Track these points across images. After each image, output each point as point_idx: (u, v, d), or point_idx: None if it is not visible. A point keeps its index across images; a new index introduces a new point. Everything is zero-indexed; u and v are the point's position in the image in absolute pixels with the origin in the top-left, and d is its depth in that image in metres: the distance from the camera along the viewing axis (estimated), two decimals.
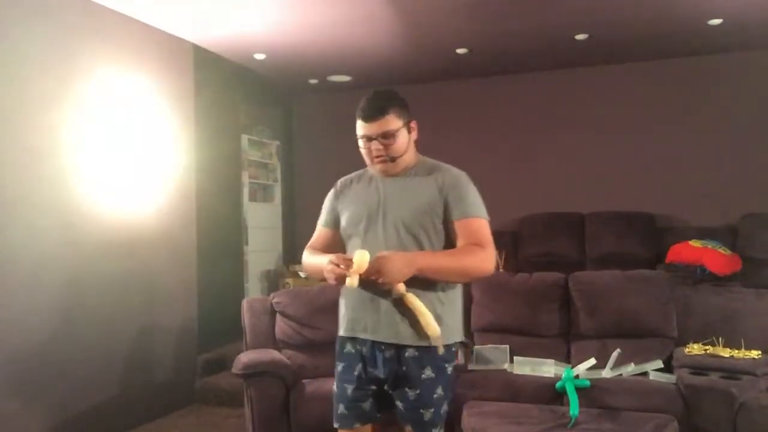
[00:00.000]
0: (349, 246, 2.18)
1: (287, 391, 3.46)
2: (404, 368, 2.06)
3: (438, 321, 2.04)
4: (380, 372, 2.09)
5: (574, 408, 3.01)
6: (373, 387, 2.13)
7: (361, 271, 1.94)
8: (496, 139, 6.34)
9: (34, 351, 3.54)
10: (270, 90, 6.71)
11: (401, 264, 1.94)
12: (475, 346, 3.83)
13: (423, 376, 2.06)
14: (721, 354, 3.33)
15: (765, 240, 5.05)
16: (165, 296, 4.55)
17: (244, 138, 6.26)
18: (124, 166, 4.21)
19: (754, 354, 3.32)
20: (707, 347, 3.46)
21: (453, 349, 2.16)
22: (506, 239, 5.82)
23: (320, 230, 2.31)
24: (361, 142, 2.16)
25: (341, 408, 2.16)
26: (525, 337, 3.88)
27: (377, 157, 2.12)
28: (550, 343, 3.84)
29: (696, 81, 5.76)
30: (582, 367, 3.42)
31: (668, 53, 5.65)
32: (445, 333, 2.06)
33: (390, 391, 2.11)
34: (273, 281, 6.40)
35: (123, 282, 4.16)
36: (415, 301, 1.99)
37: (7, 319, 3.40)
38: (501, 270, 4.83)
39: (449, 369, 2.14)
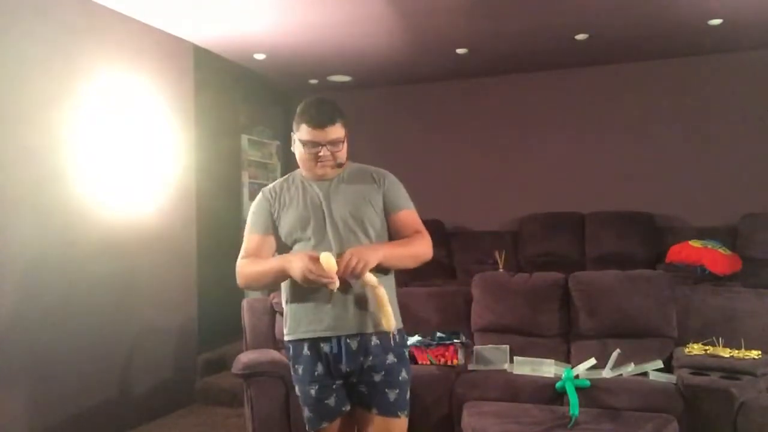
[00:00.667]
0: (295, 250, 2.18)
1: (287, 391, 3.45)
2: (370, 357, 2.14)
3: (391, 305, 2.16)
4: (346, 365, 2.13)
5: (574, 408, 3.01)
6: (338, 382, 2.17)
7: (334, 272, 1.98)
8: (496, 139, 6.34)
9: (34, 351, 3.54)
10: (270, 90, 6.71)
11: (369, 252, 2.04)
12: (475, 346, 3.83)
13: (387, 361, 2.16)
14: (721, 354, 3.33)
15: (765, 240, 5.05)
16: (165, 296, 4.55)
17: (244, 138, 6.26)
18: (124, 166, 4.21)
19: (754, 354, 3.32)
20: (707, 347, 3.46)
21: (403, 334, 2.26)
22: (506, 239, 5.83)
23: (252, 237, 2.25)
24: (304, 147, 2.19)
25: (307, 411, 2.19)
26: (525, 337, 3.87)
27: (323, 162, 2.18)
28: (550, 343, 3.84)
29: (696, 81, 5.76)
30: (582, 367, 3.41)
31: (668, 53, 5.65)
32: (396, 319, 2.17)
33: (354, 381, 2.16)
34: None
35: (123, 282, 4.16)
36: (384, 294, 2.07)
37: (7, 319, 3.40)
38: (501, 270, 4.83)
39: (406, 353, 2.26)
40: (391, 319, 2.09)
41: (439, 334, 3.78)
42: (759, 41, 5.29)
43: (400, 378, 2.18)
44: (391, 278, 2.24)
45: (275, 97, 6.88)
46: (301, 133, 2.20)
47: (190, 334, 4.81)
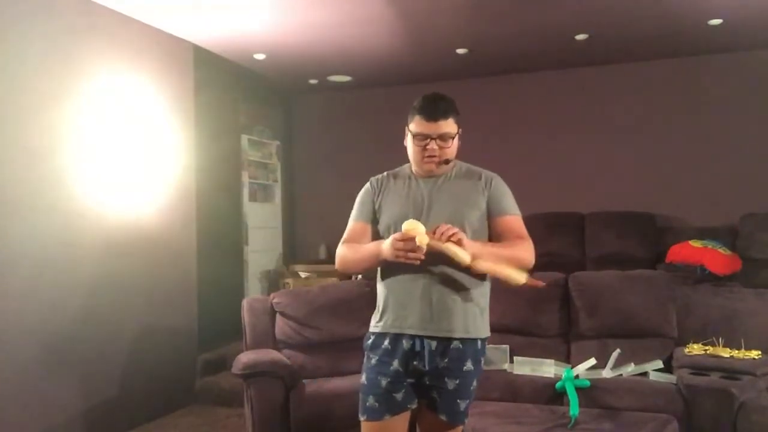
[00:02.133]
0: None
1: (287, 391, 3.46)
2: (447, 360, 2.12)
3: (482, 313, 2.21)
4: (424, 365, 2.13)
5: (574, 408, 3.01)
6: (410, 380, 2.16)
7: (420, 233, 1.96)
8: (495, 139, 6.33)
9: (34, 351, 3.54)
10: (270, 90, 6.71)
11: (461, 237, 2.02)
12: None
13: (464, 368, 2.14)
14: (721, 354, 3.33)
15: (765, 240, 5.05)
16: (165, 296, 4.55)
17: (244, 138, 6.26)
18: (124, 166, 4.21)
19: (754, 354, 3.32)
20: (707, 347, 3.47)
21: (485, 342, 2.25)
22: None
23: (355, 224, 2.29)
24: (415, 140, 2.19)
25: (371, 400, 2.15)
26: (525, 337, 3.88)
27: (431, 156, 2.17)
28: (550, 343, 3.84)
29: (696, 81, 5.76)
30: (582, 367, 3.42)
31: (668, 53, 5.65)
32: (483, 326, 2.22)
33: (428, 382, 2.15)
34: (273, 281, 6.40)
35: (123, 282, 4.16)
36: (485, 264, 2.04)
37: (7, 319, 3.40)
38: None
39: (482, 363, 2.24)
40: (515, 277, 2.06)
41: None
42: (759, 41, 5.29)
43: (471, 388, 2.18)
44: (486, 285, 2.24)
45: (275, 97, 6.89)
46: (413, 125, 2.20)
47: (190, 334, 4.81)
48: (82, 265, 3.86)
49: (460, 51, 5.45)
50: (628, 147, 5.94)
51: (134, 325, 4.26)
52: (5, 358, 3.38)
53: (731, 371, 3.22)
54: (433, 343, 2.12)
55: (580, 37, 5.11)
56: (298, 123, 7.18)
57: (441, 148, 2.17)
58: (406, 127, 2.25)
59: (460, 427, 2.21)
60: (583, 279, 3.94)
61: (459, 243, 2.00)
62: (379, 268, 2.23)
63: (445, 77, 6.28)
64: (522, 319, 3.89)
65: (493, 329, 3.92)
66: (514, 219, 2.26)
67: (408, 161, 2.30)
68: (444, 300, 2.13)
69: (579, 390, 3.20)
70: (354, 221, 2.30)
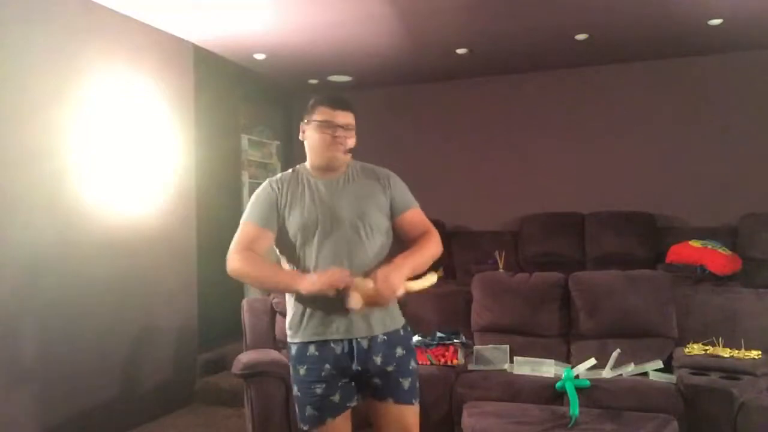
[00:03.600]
0: (304, 252, 2.14)
1: (287, 391, 3.45)
2: (378, 353, 2.17)
3: (394, 306, 2.24)
4: (356, 364, 2.15)
5: (574, 408, 3.01)
6: (344, 380, 2.18)
7: (365, 295, 2.01)
8: (496, 139, 6.34)
9: (34, 351, 3.54)
10: (270, 90, 6.71)
11: (395, 275, 2.04)
12: (475, 346, 3.84)
13: (397, 354, 2.21)
14: (721, 354, 3.33)
15: (765, 240, 5.05)
16: (165, 296, 4.55)
17: (244, 138, 6.26)
18: (124, 165, 4.21)
19: (754, 354, 3.32)
20: (707, 347, 3.46)
21: (407, 328, 2.30)
22: (506, 239, 5.83)
23: (253, 228, 2.17)
24: (321, 128, 2.18)
25: (309, 410, 2.17)
26: (525, 337, 3.88)
27: (337, 144, 2.17)
28: (550, 343, 3.84)
29: (696, 81, 5.76)
30: (582, 367, 3.42)
31: (668, 53, 5.65)
32: (398, 317, 2.26)
33: (368, 375, 2.18)
34: None
35: (123, 282, 4.16)
36: (415, 285, 2.12)
37: (7, 319, 3.40)
38: (501, 270, 4.83)
39: (413, 345, 2.33)
40: (429, 281, 2.15)
41: (439, 334, 3.79)
42: (759, 41, 5.29)
43: (410, 367, 2.24)
44: None
45: (275, 97, 6.88)
46: (318, 115, 2.19)
47: (190, 334, 4.80)
48: (82, 265, 3.86)
49: (460, 51, 5.45)
50: (628, 147, 5.94)
51: (134, 325, 4.26)
52: (5, 357, 3.38)
53: (731, 371, 3.22)
54: (364, 342, 2.15)
55: (580, 37, 5.11)
56: (297, 123, 7.13)
57: (346, 138, 2.19)
58: (304, 124, 2.25)
59: (412, 408, 2.24)
60: (583, 279, 3.94)
61: (394, 295, 2.05)
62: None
63: (445, 77, 6.29)
64: (522, 319, 3.89)
65: (493, 329, 3.97)
66: (416, 212, 2.29)
67: (298, 163, 2.31)
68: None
69: (579, 390, 3.20)
70: (251, 224, 2.18)
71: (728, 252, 4.93)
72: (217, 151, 5.55)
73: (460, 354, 3.73)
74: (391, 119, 6.60)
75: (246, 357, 3.57)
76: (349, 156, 2.23)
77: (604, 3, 4.38)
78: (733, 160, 5.59)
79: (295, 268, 2.17)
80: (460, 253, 5.97)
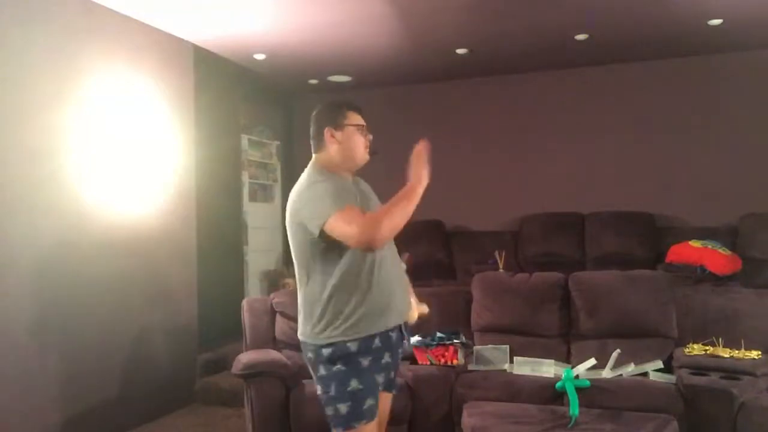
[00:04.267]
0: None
1: (287, 391, 3.46)
2: (401, 341, 2.35)
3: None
4: (402, 350, 2.38)
5: (574, 408, 3.01)
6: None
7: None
8: (496, 139, 6.34)
9: (34, 351, 3.54)
10: (270, 90, 6.71)
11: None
12: (475, 346, 3.84)
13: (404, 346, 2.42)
14: (721, 354, 3.33)
15: (765, 240, 5.05)
16: (165, 296, 4.55)
17: (244, 138, 6.26)
18: (124, 166, 4.21)
19: (754, 354, 3.32)
20: (707, 347, 3.47)
21: None
22: (506, 239, 5.83)
23: (354, 208, 2.13)
24: (362, 131, 2.34)
25: (369, 401, 2.21)
26: (525, 337, 3.88)
27: (368, 148, 2.37)
28: (550, 343, 3.84)
29: (696, 81, 5.76)
30: (582, 367, 3.42)
31: (668, 53, 5.65)
32: None
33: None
34: (273, 281, 6.40)
35: (123, 282, 4.16)
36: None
37: (7, 319, 3.40)
38: (501, 270, 4.83)
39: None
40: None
41: (439, 334, 3.79)
42: (759, 41, 5.29)
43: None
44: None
45: (275, 97, 6.88)
46: (353, 120, 2.32)
47: (190, 334, 4.80)
48: (82, 265, 3.86)
49: (460, 51, 5.45)
50: (628, 147, 5.94)
51: (134, 325, 4.26)
52: (5, 357, 3.38)
53: (731, 371, 3.22)
54: (404, 327, 2.36)
55: (580, 37, 5.11)
56: (298, 123, 7.17)
57: None
58: (335, 128, 2.30)
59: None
60: (583, 279, 3.94)
61: None
62: (339, 273, 2.19)
63: (445, 77, 6.29)
64: (522, 319, 3.89)
65: (493, 329, 3.97)
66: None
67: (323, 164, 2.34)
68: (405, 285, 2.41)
69: (579, 390, 3.20)
70: (350, 206, 2.12)
71: (728, 252, 4.93)
72: (217, 151, 5.55)
73: (460, 354, 3.73)
74: (391, 119, 6.58)
75: (246, 357, 3.57)
76: None
77: (604, 3, 4.38)
78: (733, 160, 5.59)
79: (343, 270, 2.18)
80: (460, 253, 5.98)
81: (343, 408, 2.18)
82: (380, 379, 2.26)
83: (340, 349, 2.19)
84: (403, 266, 2.42)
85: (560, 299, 3.89)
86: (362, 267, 2.18)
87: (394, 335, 2.29)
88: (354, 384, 2.19)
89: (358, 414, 2.18)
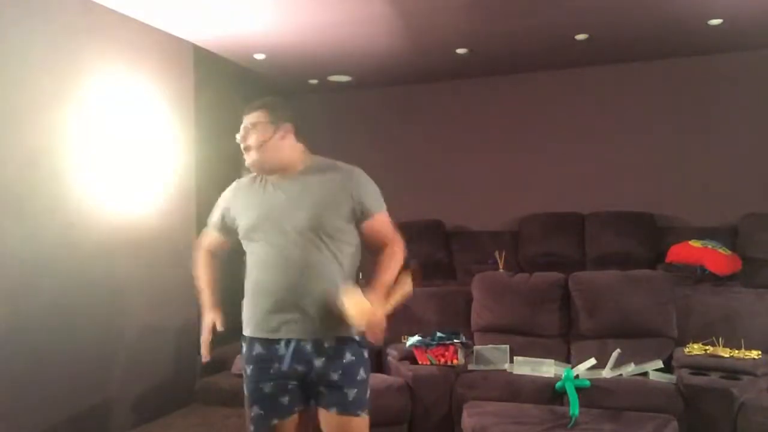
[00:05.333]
0: (248, 250, 2.25)
1: None
2: (324, 358, 2.12)
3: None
4: (303, 366, 2.12)
5: (574, 408, 3.01)
6: (293, 382, 2.15)
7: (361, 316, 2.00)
8: (496, 139, 6.34)
9: (34, 351, 3.54)
10: (270, 90, 6.69)
11: (380, 314, 2.03)
12: (475, 346, 3.84)
13: (344, 360, 2.13)
14: (721, 354, 3.33)
15: (765, 240, 5.05)
16: (165, 296, 4.55)
17: None
18: (124, 165, 4.21)
19: (754, 354, 3.32)
20: (707, 347, 3.47)
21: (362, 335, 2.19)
22: (506, 239, 5.82)
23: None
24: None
25: (256, 409, 2.16)
26: (525, 337, 3.88)
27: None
28: (550, 343, 3.85)
29: (696, 81, 5.76)
30: (582, 367, 3.42)
31: (668, 53, 5.65)
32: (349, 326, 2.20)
33: (314, 380, 2.14)
34: None
35: (123, 282, 4.16)
36: (393, 301, 2.12)
37: (6, 319, 3.40)
38: (501, 270, 4.83)
39: (366, 353, 2.21)
40: (403, 291, 2.14)
41: (439, 334, 3.79)
42: (759, 41, 5.28)
43: (357, 378, 2.15)
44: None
45: None
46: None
47: (190, 334, 4.79)
48: (82, 265, 3.86)
49: (460, 51, 5.45)
50: (628, 147, 5.94)
51: (134, 325, 4.26)
52: (5, 357, 3.38)
53: (731, 371, 3.22)
54: (308, 345, 2.13)
55: (580, 37, 5.11)
56: (297, 123, 7.16)
57: (245, 138, 2.41)
58: (288, 126, 2.32)
59: (357, 420, 2.14)
60: (583, 279, 3.94)
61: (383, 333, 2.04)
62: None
63: (445, 77, 6.29)
64: (522, 319, 3.89)
65: (493, 329, 3.97)
66: (379, 218, 2.18)
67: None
68: (313, 307, 2.13)
69: (579, 390, 3.20)
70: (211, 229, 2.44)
71: (728, 252, 4.93)
72: (217, 151, 5.53)
73: (460, 354, 3.73)
74: (391, 119, 6.60)
75: None
76: (257, 155, 2.27)
77: (604, 3, 4.38)
78: (733, 160, 5.59)
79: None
80: (460, 253, 5.98)
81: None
82: (267, 389, 2.15)
83: (242, 345, 2.30)
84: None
85: (560, 299, 3.89)
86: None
87: (286, 347, 2.13)
88: (246, 389, 2.24)
89: (249, 419, 2.19)
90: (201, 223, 4.96)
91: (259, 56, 5.41)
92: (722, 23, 4.77)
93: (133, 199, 4.29)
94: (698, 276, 4.74)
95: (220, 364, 4.95)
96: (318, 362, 2.11)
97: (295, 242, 2.10)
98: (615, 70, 5.98)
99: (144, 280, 4.34)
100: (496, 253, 5.01)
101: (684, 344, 3.59)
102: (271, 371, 2.14)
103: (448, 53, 5.51)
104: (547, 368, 3.54)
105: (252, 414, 2.18)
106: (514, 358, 3.69)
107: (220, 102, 5.76)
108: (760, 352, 3.34)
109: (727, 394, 3.06)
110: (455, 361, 3.69)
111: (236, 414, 4.29)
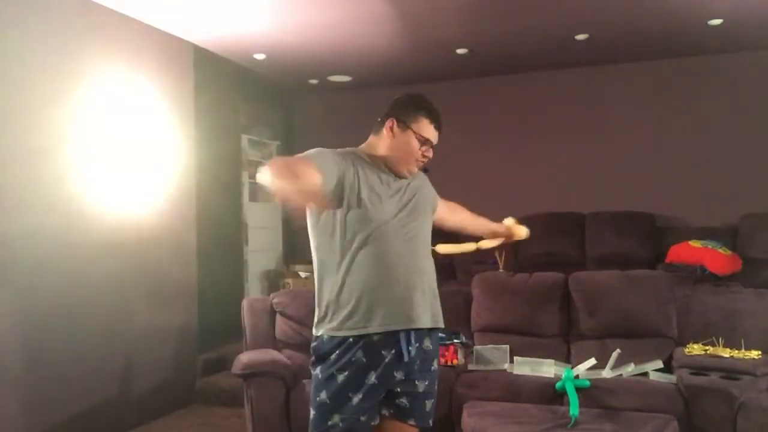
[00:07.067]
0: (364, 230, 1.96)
1: (287, 391, 3.46)
2: (417, 362, 1.99)
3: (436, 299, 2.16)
4: (402, 371, 1.95)
5: (574, 408, 3.01)
6: (383, 394, 1.96)
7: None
8: (496, 139, 6.34)
9: (34, 351, 3.54)
10: (270, 90, 6.71)
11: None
12: (475, 346, 3.83)
13: (432, 368, 2.06)
14: (721, 354, 3.33)
15: (765, 240, 5.05)
16: (165, 296, 4.55)
17: (244, 138, 6.26)
18: (124, 166, 4.21)
19: (754, 354, 3.32)
20: (707, 347, 3.46)
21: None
22: None
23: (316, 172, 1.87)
24: (417, 141, 2.12)
25: (335, 418, 1.90)
26: (525, 337, 3.88)
27: (419, 161, 2.15)
28: (550, 343, 3.84)
29: (696, 81, 5.76)
30: (582, 367, 3.42)
31: (668, 53, 5.65)
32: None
33: (398, 390, 1.98)
34: (273, 281, 6.40)
35: (123, 282, 4.16)
36: (454, 248, 2.38)
37: (7, 319, 3.40)
38: (501, 270, 4.83)
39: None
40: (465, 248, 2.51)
41: (439, 334, 3.78)
42: (759, 41, 5.29)
43: (435, 387, 2.09)
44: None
45: (275, 97, 6.88)
46: (420, 128, 2.13)
47: (190, 334, 4.80)
48: (82, 265, 3.86)
49: (460, 51, 5.45)
50: (628, 147, 5.94)
51: (134, 325, 4.26)
52: (5, 357, 3.38)
53: (731, 371, 3.22)
54: (417, 341, 1.98)
55: (580, 37, 5.11)
56: (298, 123, 7.17)
57: (428, 158, 2.18)
58: (398, 124, 2.14)
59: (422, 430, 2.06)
60: (583, 279, 3.94)
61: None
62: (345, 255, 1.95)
63: (445, 77, 6.29)
64: (522, 319, 3.89)
65: (493, 329, 3.97)
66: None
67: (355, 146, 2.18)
68: (431, 282, 2.17)
69: (579, 390, 3.20)
70: (315, 169, 1.87)
71: (728, 252, 4.93)
72: (217, 151, 5.55)
73: (460, 354, 3.73)
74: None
75: (246, 357, 3.57)
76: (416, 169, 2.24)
77: (604, 3, 4.38)
78: (733, 160, 5.59)
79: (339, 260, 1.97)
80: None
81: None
82: (355, 401, 1.90)
83: (319, 347, 1.99)
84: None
85: (560, 299, 3.89)
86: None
87: (393, 348, 1.92)
88: (324, 395, 1.94)
89: (321, 428, 1.94)
90: (201, 223, 5.01)
91: (259, 56, 5.41)
92: (722, 23, 4.78)
93: (133, 199, 4.29)
94: (698, 276, 4.74)
95: (220, 364, 4.96)
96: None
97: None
98: (615, 69, 5.98)
99: (144, 280, 4.34)
100: (496, 253, 5.01)
101: (684, 344, 3.58)
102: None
103: (448, 53, 5.51)
104: (547, 368, 3.54)
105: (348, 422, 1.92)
106: (514, 358, 3.69)
107: (220, 102, 5.77)
108: (760, 352, 3.34)
109: (727, 394, 3.06)
110: (455, 361, 3.69)
111: (236, 414, 4.29)
